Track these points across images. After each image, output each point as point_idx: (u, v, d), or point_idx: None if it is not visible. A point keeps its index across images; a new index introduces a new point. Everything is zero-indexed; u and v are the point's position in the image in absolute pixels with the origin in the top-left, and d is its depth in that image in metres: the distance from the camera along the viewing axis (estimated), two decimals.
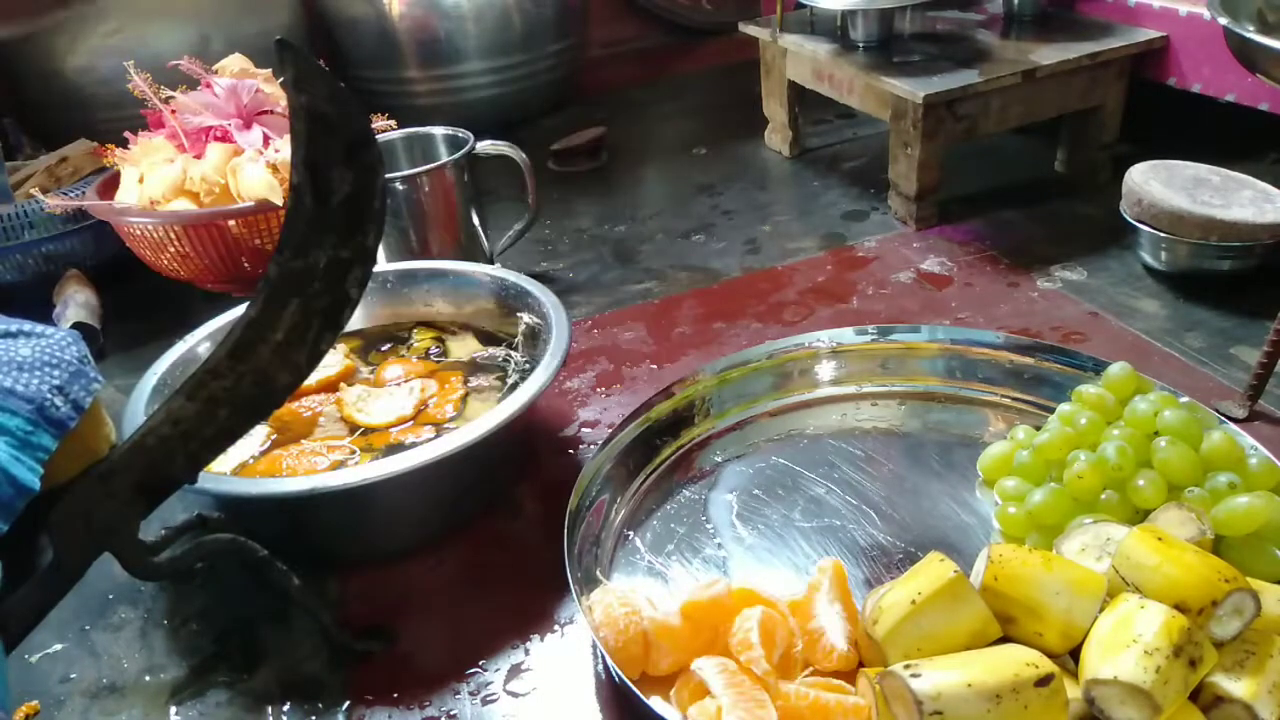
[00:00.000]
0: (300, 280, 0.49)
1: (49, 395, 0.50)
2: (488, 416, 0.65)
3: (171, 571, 0.56)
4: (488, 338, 0.85)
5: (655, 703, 0.51)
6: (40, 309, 1.02)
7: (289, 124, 0.47)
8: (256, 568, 0.59)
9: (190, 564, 0.56)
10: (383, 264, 0.92)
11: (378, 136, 1.04)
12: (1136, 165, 0.96)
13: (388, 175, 0.94)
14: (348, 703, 0.59)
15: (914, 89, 1.01)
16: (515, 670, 0.60)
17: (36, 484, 0.47)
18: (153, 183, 0.97)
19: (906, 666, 0.47)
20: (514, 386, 0.76)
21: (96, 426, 0.56)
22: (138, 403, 0.69)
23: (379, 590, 0.67)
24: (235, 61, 1.04)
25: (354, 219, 0.50)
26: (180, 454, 0.52)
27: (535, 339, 0.79)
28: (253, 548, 0.58)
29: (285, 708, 0.59)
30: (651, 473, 0.73)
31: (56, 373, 0.52)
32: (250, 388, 0.51)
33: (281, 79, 0.48)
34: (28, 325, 0.54)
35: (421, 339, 0.85)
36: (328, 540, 0.70)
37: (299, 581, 0.59)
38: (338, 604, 0.66)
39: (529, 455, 0.78)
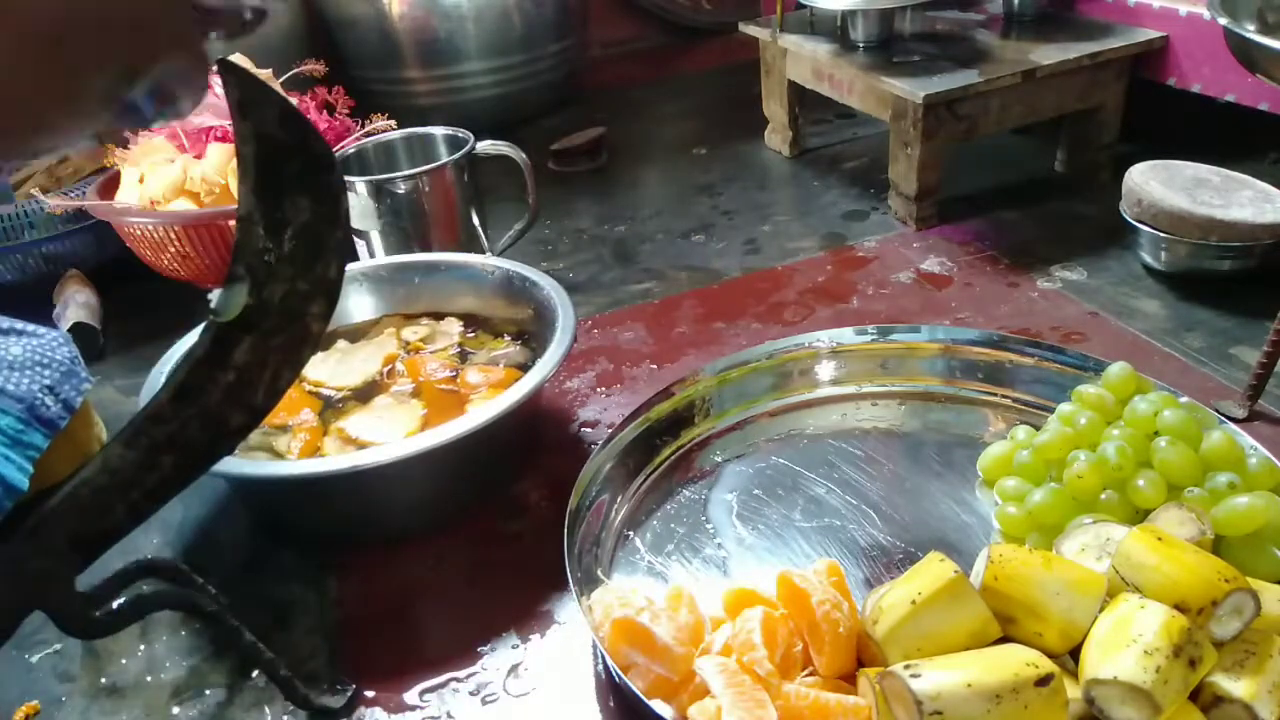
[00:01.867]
0: (253, 317, 0.45)
1: (39, 395, 0.50)
2: (492, 403, 0.66)
3: (113, 628, 0.51)
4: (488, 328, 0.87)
5: (655, 703, 0.51)
6: (40, 309, 1.02)
7: (235, 149, 0.43)
8: (208, 620, 0.55)
9: (135, 618, 0.52)
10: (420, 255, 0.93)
11: (377, 137, 1.04)
12: (1136, 165, 0.96)
13: (388, 175, 0.95)
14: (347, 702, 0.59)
15: (914, 89, 1.01)
16: (515, 670, 0.60)
17: (25, 484, 0.47)
18: (153, 183, 0.97)
19: (906, 666, 0.47)
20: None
21: (87, 427, 0.56)
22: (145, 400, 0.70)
23: (378, 590, 0.67)
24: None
25: (313, 249, 0.46)
26: (119, 505, 0.47)
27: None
28: (201, 603, 0.55)
29: (285, 708, 0.59)
30: (651, 473, 0.73)
31: (47, 372, 0.52)
32: (198, 432, 0.47)
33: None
34: (19, 324, 0.54)
35: (492, 345, 0.84)
36: (330, 526, 0.71)
37: (251, 638, 0.56)
38: (337, 603, 0.66)
39: (529, 454, 0.78)
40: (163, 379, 0.73)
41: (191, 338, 0.78)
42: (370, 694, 0.60)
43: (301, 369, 0.48)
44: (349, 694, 0.59)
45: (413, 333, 0.85)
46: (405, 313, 0.89)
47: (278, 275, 0.45)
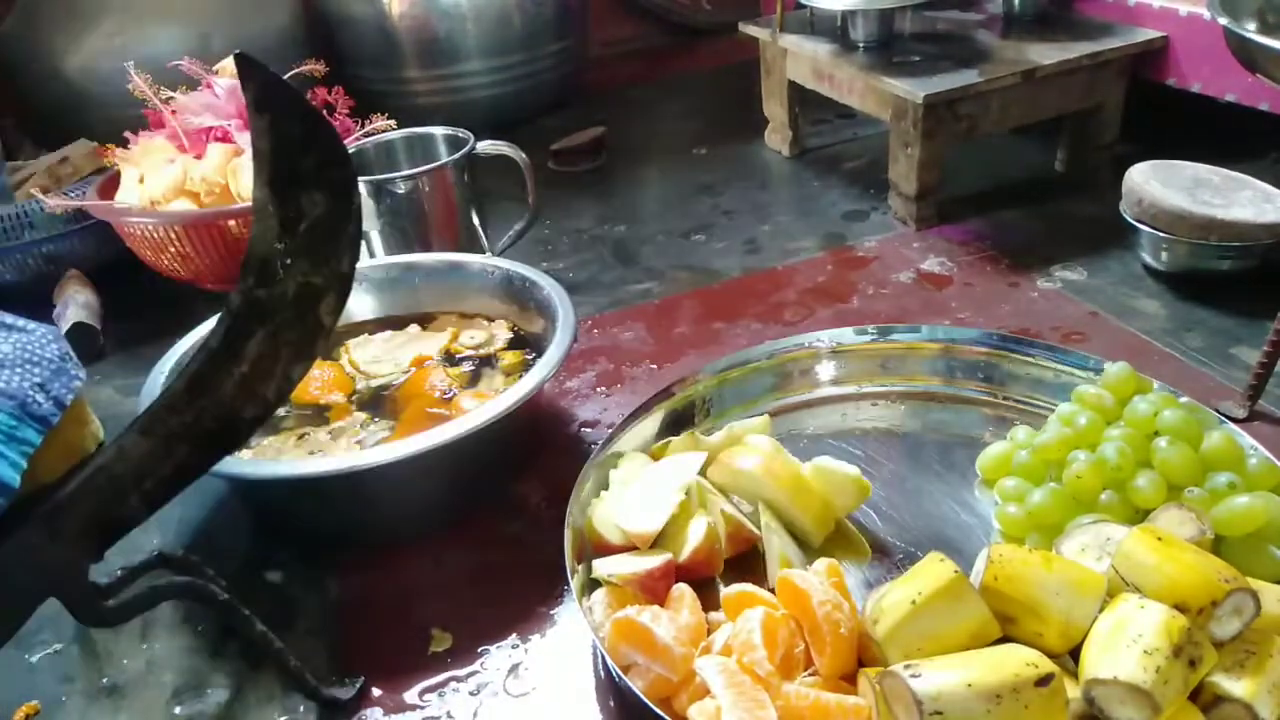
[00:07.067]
0: (266, 310, 0.46)
1: (30, 392, 0.50)
2: (492, 403, 0.66)
3: (126, 617, 0.52)
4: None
5: (655, 703, 0.51)
6: (40, 309, 1.02)
7: (251, 144, 0.43)
8: (220, 611, 0.55)
9: (147, 608, 0.52)
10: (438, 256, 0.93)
11: (377, 137, 1.04)
12: (1136, 165, 0.96)
13: (388, 175, 0.95)
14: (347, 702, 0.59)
15: (914, 89, 1.01)
16: (515, 670, 0.60)
17: (17, 481, 0.47)
18: (153, 183, 0.97)
19: (906, 666, 0.47)
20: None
21: (81, 425, 0.55)
22: (148, 400, 0.70)
23: (378, 590, 0.67)
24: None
25: (327, 244, 0.46)
26: (134, 493, 0.48)
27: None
28: (213, 592, 0.55)
29: (286, 707, 0.59)
30: None
31: (37, 370, 0.52)
32: (211, 422, 0.47)
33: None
34: (9, 318, 0.54)
35: (510, 360, 0.83)
36: (330, 526, 0.71)
37: (262, 628, 0.57)
38: (337, 603, 0.66)
39: (529, 454, 0.78)
40: (163, 379, 0.73)
41: (191, 338, 0.78)
42: (370, 693, 0.60)
43: (312, 363, 0.49)
44: (358, 686, 0.60)
45: (470, 337, 0.85)
46: (459, 311, 0.89)
47: (291, 269, 0.46)
